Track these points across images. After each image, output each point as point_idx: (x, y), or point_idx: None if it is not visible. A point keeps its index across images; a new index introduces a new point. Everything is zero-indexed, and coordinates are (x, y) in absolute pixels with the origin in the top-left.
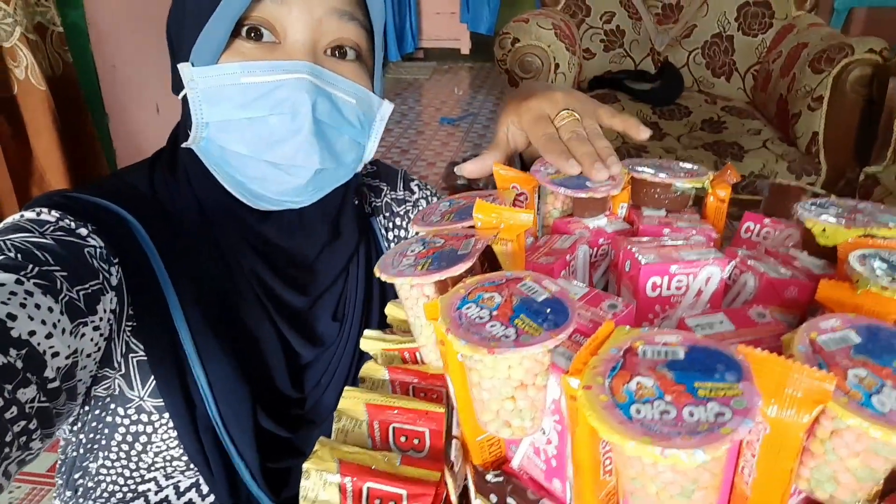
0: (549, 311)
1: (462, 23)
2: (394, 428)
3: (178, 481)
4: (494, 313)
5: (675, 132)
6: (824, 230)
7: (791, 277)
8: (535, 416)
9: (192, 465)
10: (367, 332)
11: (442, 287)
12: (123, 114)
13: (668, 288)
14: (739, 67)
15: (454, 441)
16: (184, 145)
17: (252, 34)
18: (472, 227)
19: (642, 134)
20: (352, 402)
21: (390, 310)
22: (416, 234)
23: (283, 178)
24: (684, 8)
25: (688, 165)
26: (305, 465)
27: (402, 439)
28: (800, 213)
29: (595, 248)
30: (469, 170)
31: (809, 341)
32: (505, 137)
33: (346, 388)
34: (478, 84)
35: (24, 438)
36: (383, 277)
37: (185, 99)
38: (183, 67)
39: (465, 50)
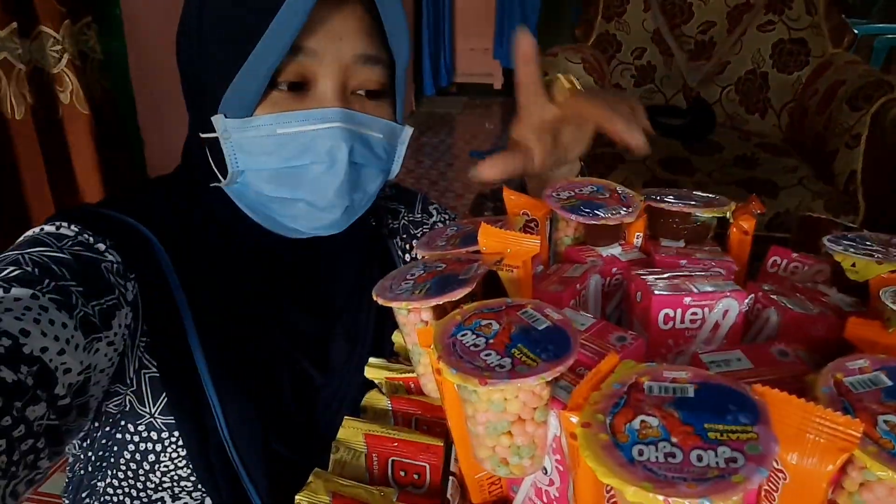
0: (549, 340)
1: (495, 59)
2: (393, 461)
3: (186, 503)
4: (491, 341)
5: (707, 168)
6: (854, 265)
7: (818, 314)
8: (535, 454)
9: (199, 486)
10: (371, 360)
11: (440, 313)
12: (158, 140)
13: (682, 321)
14: (774, 104)
15: (451, 478)
16: (217, 185)
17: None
18: (477, 252)
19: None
20: (351, 433)
21: (397, 337)
22: (420, 257)
23: (317, 216)
24: (717, 45)
25: (709, 195)
26: (298, 497)
27: (402, 473)
28: (828, 246)
29: (608, 278)
30: (485, 171)
31: (834, 382)
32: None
33: (346, 417)
34: (508, 118)
35: (31, 457)
36: (380, 301)
37: (207, 140)
38: (216, 120)
39: (498, 85)
